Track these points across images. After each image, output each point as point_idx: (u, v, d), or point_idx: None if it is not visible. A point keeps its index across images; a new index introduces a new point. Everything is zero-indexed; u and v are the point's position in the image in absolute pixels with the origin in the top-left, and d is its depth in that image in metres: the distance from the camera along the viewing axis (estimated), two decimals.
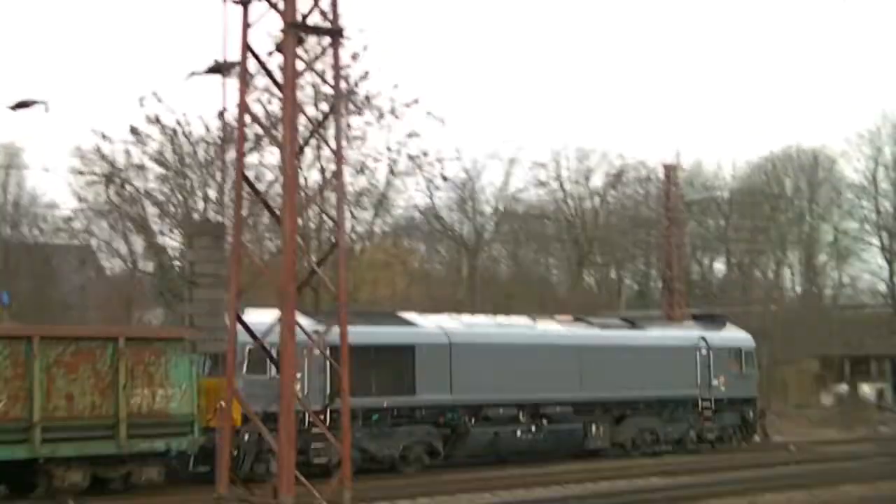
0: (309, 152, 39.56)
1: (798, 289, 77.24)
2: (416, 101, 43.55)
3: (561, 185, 73.23)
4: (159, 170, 42.82)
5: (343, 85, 17.39)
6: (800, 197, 76.73)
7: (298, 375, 23.50)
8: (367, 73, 41.23)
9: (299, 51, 16.35)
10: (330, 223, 44.29)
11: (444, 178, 51.45)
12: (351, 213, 44.65)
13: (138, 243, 48.19)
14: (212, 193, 41.77)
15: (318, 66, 18.09)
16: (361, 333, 24.71)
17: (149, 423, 23.54)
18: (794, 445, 34.87)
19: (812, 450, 33.76)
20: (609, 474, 26.46)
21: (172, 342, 23.90)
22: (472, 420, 29.21)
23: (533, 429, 30.18)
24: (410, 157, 45.15)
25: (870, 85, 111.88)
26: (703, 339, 34.96)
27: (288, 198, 15.90)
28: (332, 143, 16.98)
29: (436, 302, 63.96)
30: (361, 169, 44.02)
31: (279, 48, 16.23)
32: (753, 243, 74.93)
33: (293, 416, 16.21)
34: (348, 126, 39.56)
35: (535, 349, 30.67)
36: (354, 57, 39.52)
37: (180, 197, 43.08)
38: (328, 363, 23.65)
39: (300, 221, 15.83)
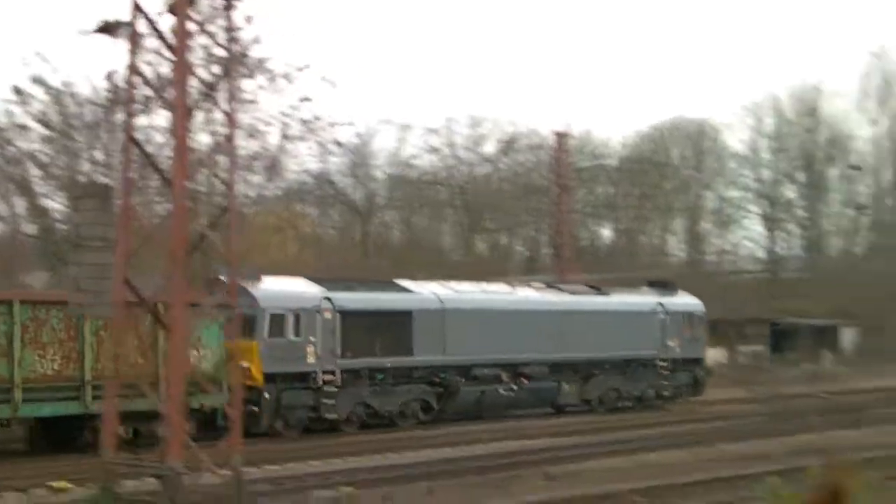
0: (199, 115, 39.22)
1: (682, 255, 78.72)
2: (308, 66, 43.37)
3: (453, 152, 73.51)
4: (44, 131, 42.03)
5: (236, 48, 17.29)
6: (685, 166, 78.13)
7: (312, 338, 27.42)
8: (259, 37, 40.97)
9: (191, 12, 16.23)
10: (221, 187, 44.02)
11: (338, 144, 51.30)
12: (242, 177, 44.31)
13: (20, 205, 47.25)
14: (99, 156, 41.15)
15: (211, 27, 17.95)
16: (366, 300, 29.33)
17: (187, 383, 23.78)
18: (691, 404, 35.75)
19: (697, 410, 34.65)
20: (501, 435, 26.85)
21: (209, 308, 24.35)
22: (462, 379, 31.18)
23: (514, 387, 32.33)
24: (303, 122, 44.97)
25: (753, 59, 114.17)
26: (661, 304, 37.38)
27: (178, 160, 15.82)
28: (224, 106, 16.88)
29: (328, 267, 63.95)
30: (253, 133, 43.73)
31: (171, 9, 16.08)
32: (640, 210, 76.19)
33: (183, 380, 16.14)
34: (240, 89, 39.27)
35: (516, 314, 32.84)
36: (248, 20, 39.21)
37: (65, 159, 42.35)
38: (339, 326, 27.85)
39: (191, 185, 15.76)
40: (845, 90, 74.29)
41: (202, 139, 39.41)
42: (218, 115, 16.93)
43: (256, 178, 48.36)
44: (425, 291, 31.65)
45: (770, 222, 75.37)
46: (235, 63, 17.00)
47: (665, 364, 36.80)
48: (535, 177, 74.50)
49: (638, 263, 71.86)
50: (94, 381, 23.38)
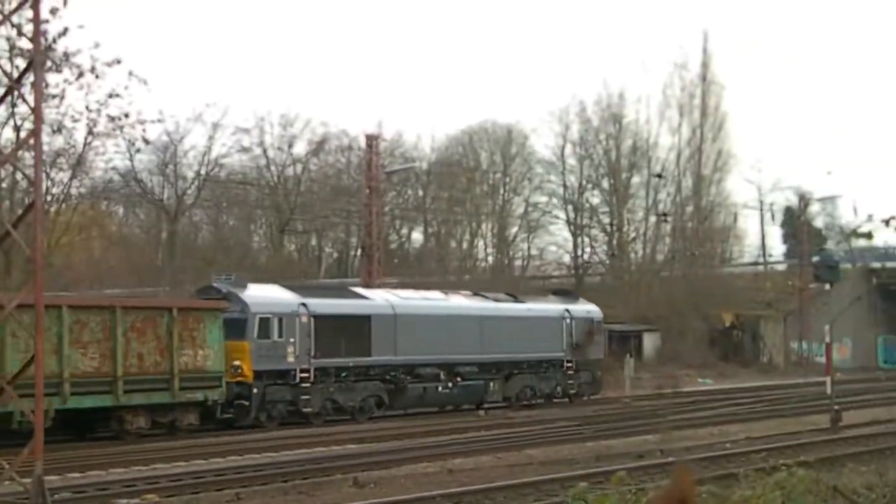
0: (2, 110, 37.77)
1: (490, 259, 79.65)
2: (118, 61, 42.26)
3: (264, 152, 72.73)
4: None
5: (41, 40, 16.60)
6: (494, 170, 78.99)
7: (292, 339, 31.19)
8: (66, 30, 39.66)
9: None
10: (25, 183, 42.47)
11: (146, 141, 50.17)
12: (47, 173, 42.92)
13: None
14: None
15: (15, 18, 17.24)
16: (334, 305, 33.58)
17: (193, 378, 29.11)
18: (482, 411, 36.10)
19: (497, 414, 35.05)
20: (309, 443, 26.59)
21: (209, 311, 29.93)
22: (409, 377, 34.74)
23: (450, 385, 35.86)
24: (111, 118, 43.78)
25: (560, 66, 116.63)
26: (567, 310, 40.89)
27: None
28: (30, 100, 16.20)
29: (134, 267, 62.43)
30: (59, 128, 42.39)
31: None
32: (450, 214, 76.76)
33: None
34: (45, 84, 37.98)
35: (451, 319, 36.46)
36: (53, 12, 37.93)
37: None
38: (313, 329, 31.72)
39: None
40: (648, 98, 75.80)
41: (5, 134, 37.70)
42: (22, 109, 16.26)
43: (62, 175, 46.96)
44: (380, 298, 35.71)
45: (575, 227, 76.87)
46: (41, 56, 16.32)
47: (571, 364, 40.21)
48: (345, 178, 74.36)
49: (448, 267, 72.48)
50: (124, 377, 27.45)
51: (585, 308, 42.39)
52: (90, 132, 44.29)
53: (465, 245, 79.31)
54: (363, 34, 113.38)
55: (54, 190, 46.56)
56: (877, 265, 63.64)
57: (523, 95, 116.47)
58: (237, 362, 30.06)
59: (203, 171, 65.31)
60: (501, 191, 79.60)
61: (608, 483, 9.75)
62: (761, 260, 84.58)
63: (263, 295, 32.22)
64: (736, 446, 23.80)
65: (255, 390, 30.30)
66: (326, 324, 32.36)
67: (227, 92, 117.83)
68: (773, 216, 79.90)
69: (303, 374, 31.62)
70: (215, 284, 32.92)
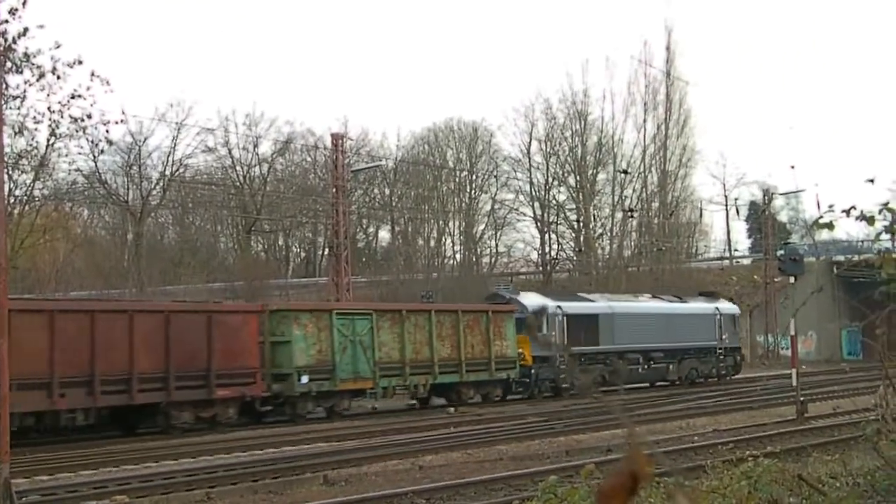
0: None
1: (458, 256, 79.81)
2: (79, 62, 42.00)
3: (229, 152, 72.58)
4: None
5: (0, 41, 16.54)
6: (461, 168, 79.16)
7: (553, 333, 40.18)
8: (26, 30, 39.40)
9: None
10: None
11: (109, 142, 49.86)
12: (9, 175, 42.60)
13: None
14: None
15: None
16: (575, 307, 42.69)
17: (501, 361, 38.36)
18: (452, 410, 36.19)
19: (471, 411, 35.12)
20: (278, 442, 26.55)
21: (508, 313, 39.26)
22: (620, 360, 42.55)
23: (645, 366, 44.64)
24: (73, 119, 43.48)
25: (524, 63, 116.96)
26: (717, 308, 49.25)
27: None
28: None
29: (100, 269, 62.18)
30: (20, 130, 42.07)
31: None
32: (417, 212, 76.83)
33: None
34: (6, 85, 37.71)
35: (647, 317, 45.34)
36: (13, 12, 37.66)
37: None
38: (566, 325, 41.03)
39: None
40: (613, 95, 76.08)
41: None
42: None
43: (25, 177, 46.63)
44: (601, 301, 45.07)
45: (543, 225, 77.10)
46: (0, 57, 16.23)
47: (721, 351, 48.51)
48: (311, 177, 74.34)
49: (415, 265, 72.51)
50: (465, 361, 37.08)
51: (728, 306, 50.92)
52: (53, 133, 43.93)
53: (432, 243, 79.46)
54: (327, 32, 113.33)
55: (17, 192, 46.26)
56: (840, 258, 64.14)
57: (488, 93, 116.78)
58: (521, 350, 39.10)
59: (168, 172, 65.15)
60: (468, 188, 79.84)
61: (578, 476, 9.82)
62: (727, 254, 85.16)
63: (534, 300, 42.06)
64: (704, 439, 23.96)
65: (532, 371, 39.72)
66: (573, 321, 41.59)
67: (190, 92, 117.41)
68: (737, 211, 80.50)
69: (560, 359, 40.60)
70: (499, 292, 43.69)
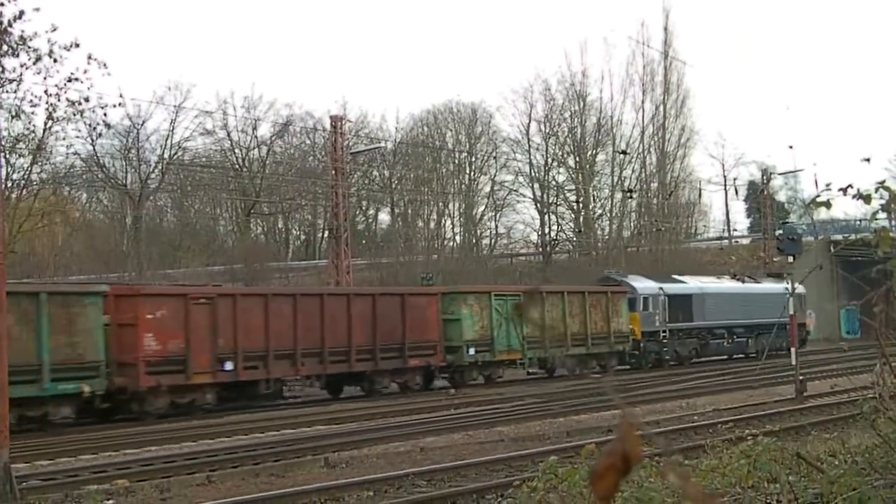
0: None
1: (458, 238, 79.80)
2: (76, 45, 41.91)
3: (228, 135, 72.48)
4: None
5: None
6: (460, 149, 79.08)
7: (657, 311, 45.46)
8: (21, 13, 39.29)
9: None
10: None
11: (107, 126, 49.74)
12: (6, 159, 42.58)
13: None
14: None
15: None
16: (674, 288, 47.36)
17: (618, 336, 43.33)
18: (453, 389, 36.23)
19: (472, 393, 35.17)
20: (279, 425, 26.60)
21: (622, 293, 44.41)
22: (710, 336, 49.21)
23: (729, 341, 50.02)
24: (71, 103, 43.39)
25: (522, 44, 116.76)
26: (786, 287, 49.34)
27: None
28: None
29: (99, 253, 62.18)
30: (17, 113, 42.00)
31: None
32: (416, 194, 76.79)
33: None
34: (2, 68, 37.65)
35: (731, 296, 49.96)
36: None
37: None
38: (667, 304, 46.19)
39: None
40: (611, 76, 76.02)
41: None
42: None
43: (22, 161, 46.58)
44: (693, 283, 49.67)
45: (542, 206, 77.10)
46: None
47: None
48: (310, 160, 74.27)
49: (415, 247, 72.49)
50: (591, 336, 42.18)
51: (797, 286, 54.93)
52: (50, 117, 43.86)
53: (432, 225, 79.43)
54: (325, 14, 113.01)
55: (14, 176, 46.22)
56: (838, 237, 64.18)
57: (487, 74, 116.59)
58: (631, 326, 44.25)
59: (166, 155, 65.07)
60: (467, 170, 79.77)
61: (578, 457, 9.82)
62: (726, 234, 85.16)
63: (641, 282, 46.57)
64: (703, 418, 24.03)
65: (641, 345, 45.01)
66: (672, 300, 46.56)
67: (188, 74, 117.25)
68: (736, 191, 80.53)
69: (663, 335, 45.77)
70: (610, 275, 48.29)
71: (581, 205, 75.60)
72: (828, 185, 7.04)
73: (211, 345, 29.59)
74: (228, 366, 30.05)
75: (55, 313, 26.22)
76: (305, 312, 32.02)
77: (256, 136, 73.89)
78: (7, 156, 42.48)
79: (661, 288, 46.42)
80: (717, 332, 49.77)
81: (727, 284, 51.82)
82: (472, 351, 37.25)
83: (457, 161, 79.31)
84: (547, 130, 76.47)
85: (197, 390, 29.65)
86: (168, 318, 28.74)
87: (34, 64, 40.95)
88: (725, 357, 50.41)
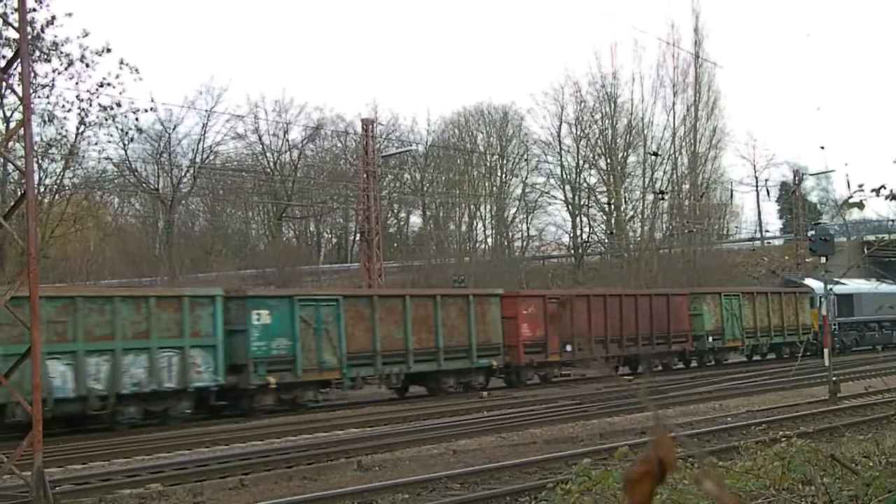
0: None
1: (489, 241, 79.75)
2: (108, 50, 42.20)
3: (259, 138, 72.71)
4: None
5: (28, 30, 16.60)
6: (491, 152, 79.02)
7: (828, 308, 41.86)
8: (53, 18, 39.61)
9: None
10: (16, 174, 42.44)
11: (139, 130, 50.13)
12: (38, 164, 42.90)
13: None
14: None
15: (0, 8, 17.18)
16: (840, 289, 48.54)
17: (803, 327, 50.98)
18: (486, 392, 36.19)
19: (499, 395, 35.12)
20: (311, 428, 26.64)
21: (805, 294, 51.85)
22: (865, 328, 56.84)
23: (877, 334, 56.75)
24: (102, 108, 43.72)
25: (552, 46, 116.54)
26: None
27: None
28: (18, 90, 16.14)
29: (131, 257, 62.48)
30: (50, 118, 42.34)
31: None
32: (448, 196, 76.78)
33: None
34: (34, 73, 37.93)
35: (881, 295, 51.14)
36: (40, 0, 37.87)
37: None
38: (835, 302, 49.04)
39: None
40: (642, 78, 75.90)
41: None
42: (11, 100, 16.20)
43: (54, 166, 46.93)
44: (852, 284, 54.53)
45: (574, 208, 76.95)
46: (28, 45, 16.25)
47: None
48: (342, 163, 74.38)
49: (447, 250, 72.47)
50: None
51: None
52: (82, 122, 44.24)
53: (463, 227, 79.41)
54: (356, 17, 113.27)
55: (47, 181, 46.59)
56: (871, 238, 63.77)
57: (517, 76, 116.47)
58: (810, 321, 50.68)
59: (198, 159, 65.33)
60: (499, 172, 79.69)
61: (612, 459, 9.78)
62: (758, 235, 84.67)
63: (814, 284, 50.57)
64: (736, 420, 23.89)
65: (818, 336, 47.97)
66: (840, 299, 51.63)
67: (219, 79, 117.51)
68: (768, 192, 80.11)
69: (833, 327, 47.48)
70: (791, 279, 55.08)
71: (612, 206, 75.41)
72: (860, 185, 6.99)
73: (559, 333, 38.52)
74: (568, 348, 39.53)
75: (477, 309, 35.90)
76: (611, 309, 41.10)
77: (288, 140, 74.14)
78: (39, 161, 42.85)
79: (830, 288, 48.77)
80: (871, 325, 57.76)
81: (876, 286, 56.99)
82: (710, 339, 46.11)
83: (488, 163, 79.28)
84: (578, 132, 76.36)
85: (551, 365, 39.20)
86: (534, 313, 38.21)
87: (66, 69, 41.35)
88: (880, 346, 53.70)
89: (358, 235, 57.92)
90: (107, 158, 55.04)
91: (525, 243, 79.66)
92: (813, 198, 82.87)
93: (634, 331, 42.23)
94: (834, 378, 28.12)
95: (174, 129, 64.25)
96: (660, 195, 70.59)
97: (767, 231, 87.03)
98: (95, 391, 26.51)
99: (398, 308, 33.76)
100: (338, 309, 31.92)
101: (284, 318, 30.59)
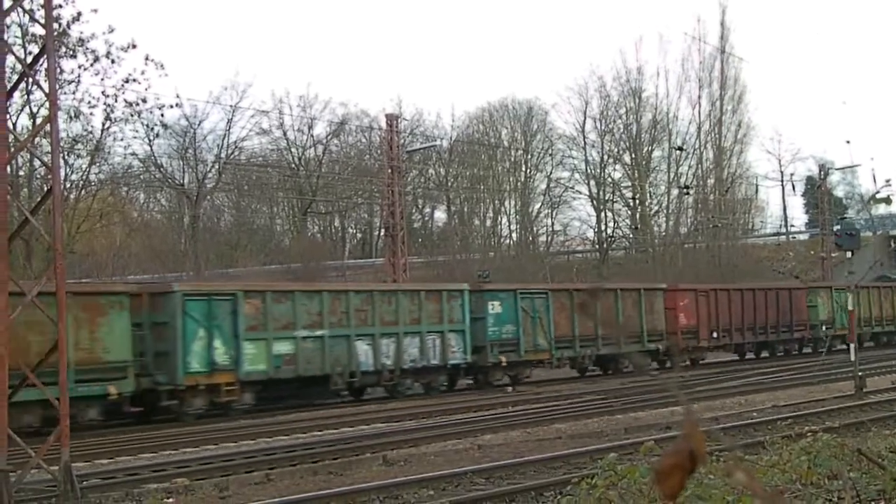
0: (17, 96, 37.91)
1: (514, 236, 79.68)
2: (133, 46, 42.38)
3: (284, 134, 72.80)
4: None
5: (54, 26, 16.67)
6: (516, 147, 78.91)
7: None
8: (79, 14, 39.80)
9: None
10: (42, 170, 42.66)
11: (164, 126, 50.30)
12: (65, 160, 43.09)
13: None
14: None
15: (27, 4, 17.25)
16: None
17: (887, 319, 53.96)
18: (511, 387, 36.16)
19: (524, 390, 35.11)
20: (336, 423, 26.69)
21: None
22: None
23: None
24: (128, 104, 43.89)
25: (577, 40, 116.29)
26: None
27: None
28: (44, 87, 16.21)
29: (157, 252, 62.72)
30: (76, 114, 42.54)
31: None
32: (472, 192, 76.74)
33: (5, 372, 15.42)
34: (60, 70, 38.11)
35: None
36: None
37: None
38: None
39: (10, 168, 15.07)
40: (667, 72, 75.67)
41: (21, 121, 37.68)
42: (37, 96, 16.26)
43: (80, 162, 47.13)
44: None
45: (598, 203, 76.78)
46: (54, 41, 16.31)
47: None
48: (366, 158, 74.39)
49: (472, 245, 72.43)
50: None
51: None
52: (108, 118, 44.42)
53: (488, 223, 79.37)
54: (380, 12, 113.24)
55: (73, 176, 46.77)
56: None
57: (542, 71, 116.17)
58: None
59: (223, 155, 65.48)
60: (523, 167, 79.61)
61: (637, 454, 9.76)
62: (783, 230, 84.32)
63: None
64: (762, 415, 23.80)
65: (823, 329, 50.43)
66: None
67: (244, 74, 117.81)
68: (793, 187, 79.71)
69: None
70: (886, 274, 58.43)
71: (637, 201, 75.24)
72: (887, 181, 6.98)
73: (707, 321, 44.13)
74: (714, 335, 44.62)
75: (647, 301, 41.63)
76: (746, 302, 46.52)
77: (312, 136, 74.21)
78: (66, 156, 43.03)
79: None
80: None
81: None
82: (824, 328, 50.07)
83: (512, 159, 79.21)
84: (602, 127, 76.22)
85: (700, 350, 44.78)
86: (688, 304, 43.57)
87: (92, 65, 41.55)
88: None
89: (382, 231, 57.99)
90: (132, 154, 55.29)
91: (549, 238, 79.58)
92: (839, 192, 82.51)
93: (765, 320, 47.70)
94: (860, 373, 27.98)
95: (199, 124, 64.40)
96: (685, 190, 70.43)
97: (793, 226, 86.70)
98: (386, 366, 32.79)
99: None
100: (547, 301, 37.70)
101: (510, 308, 36.54)
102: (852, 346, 30.71)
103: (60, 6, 37.27)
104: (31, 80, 20.42)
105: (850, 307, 33.92)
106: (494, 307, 36.18)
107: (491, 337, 35.73)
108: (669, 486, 1.84)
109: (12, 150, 15.98)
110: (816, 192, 74.37)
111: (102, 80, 42.24)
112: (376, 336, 32.44)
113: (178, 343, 27.59)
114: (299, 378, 30.85)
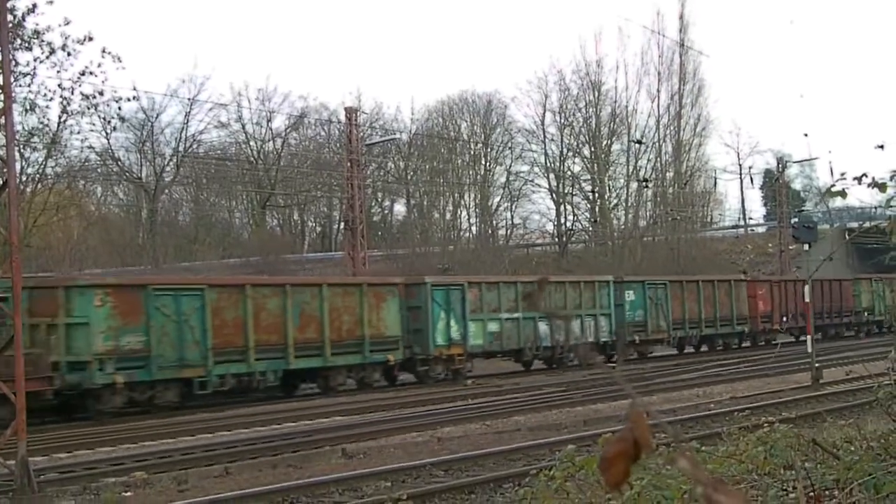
0: None
1: (474, 229, 79.73)
2: (89, 38, 42.03)
3: (243, 127, 72.51)
4: None
5: (9, 18, 16.47)
6: (475, 140, 78.93)
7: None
8: (34, 6, 39.44)
9: None
10: None
11: (122, 119, 49.92)
12: (20, 153, 42.71)
13: None
14: None
15: None
16: None
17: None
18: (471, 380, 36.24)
19: (491, 382, 35.19)
20: (296, 416, 26.66)
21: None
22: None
23: None
24: (85, 96, 43.52)
25: (538, 34, 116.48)
26: None
27: None
28: None
29: (115, 246, 62.34)
30: (31, 107, 42.15)
31: None
32: (432, 185, 76.73)
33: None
34: (15, 62, 37.77)
35: None
36: None
37: None
38: None
39: None
40: (626, 66, 75.82)
41: None
42: None
43: (37, 155, 46.71)
44: None
45: (558, 196, 76.98)
46: (9, 33, 16.17)
47: None
48: (325, 152, 74.25)
49: (431, 238, 72.44)
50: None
51: None
52: (64, 110, 44.03)
53: (447, 216, 79.34)
54: (339, 5, 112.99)
55: (29, 170, 46.33)
56: (854, 225, 64.06)
57: (501, 65, 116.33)
58: None
59: (181, 148, 65.14)
60: (483, 161, 79.62)
61: (596, 445, 9.84)
62: (742, 223, 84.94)
63: None
64: (720, 406, 24.00)
65: None
66: None
67: (202, 67, 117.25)
68: (751, 180, 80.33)
69: None
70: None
71: (596, 195, 75.49)
72: (843, 174, 7.03)
73: (778, 308, 50.18)
74: (783, 319, 50.54)
75: (735, 290, 47.84)
76: (787, 293, 51.00)
77: (271, 129, 73.97)
78: (21, 150, 42.63)
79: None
80: None
81: None
82: (866, 314, 56.07)
83: (472, 152, 79.19)
84: (562, 121, 76.33)
85: (764, 333, 50.22)
86: (765, 294, 49.77)
87: (48, 58, 41.16)
88: None
89: (342, 224, 57.91)
90: (89, 147, 54.85)
91: (509, 231, 79.68)
92: (797, 185, 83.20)
93: (821, 307, 52.02)
94: (817, 364, 28.27)
95: (157, 117, 64.13)
96: (644, 183, 70.70)
97: (751, 219, 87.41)
98: (559, 342, 38.25)
99: (694, 289, 46.09)
100: (666, 290, 44.53)
101: (640, 296, 43.28)
102: (809, 337, 30.98)
103: None
104: None
105: (806, 299, 34.27)
106: (629, 295, 43.03)
107: (628, 320, 42.41)
108: (614, 474, 1.88)
109: None
110: (774, 185, 74.96)
111: (59, 72, 41.89)
112: (550, 318, 39.13)
113: (429, 322, 34.75)
114: (503, 350, 37.95)
